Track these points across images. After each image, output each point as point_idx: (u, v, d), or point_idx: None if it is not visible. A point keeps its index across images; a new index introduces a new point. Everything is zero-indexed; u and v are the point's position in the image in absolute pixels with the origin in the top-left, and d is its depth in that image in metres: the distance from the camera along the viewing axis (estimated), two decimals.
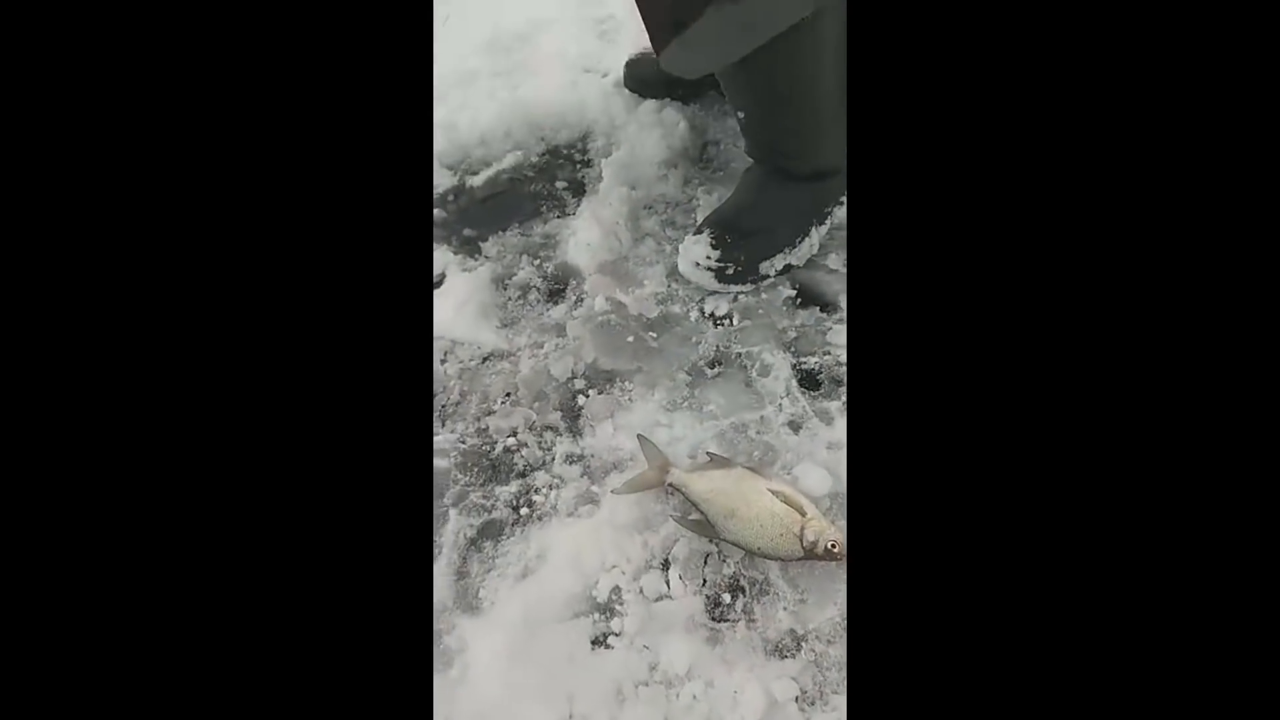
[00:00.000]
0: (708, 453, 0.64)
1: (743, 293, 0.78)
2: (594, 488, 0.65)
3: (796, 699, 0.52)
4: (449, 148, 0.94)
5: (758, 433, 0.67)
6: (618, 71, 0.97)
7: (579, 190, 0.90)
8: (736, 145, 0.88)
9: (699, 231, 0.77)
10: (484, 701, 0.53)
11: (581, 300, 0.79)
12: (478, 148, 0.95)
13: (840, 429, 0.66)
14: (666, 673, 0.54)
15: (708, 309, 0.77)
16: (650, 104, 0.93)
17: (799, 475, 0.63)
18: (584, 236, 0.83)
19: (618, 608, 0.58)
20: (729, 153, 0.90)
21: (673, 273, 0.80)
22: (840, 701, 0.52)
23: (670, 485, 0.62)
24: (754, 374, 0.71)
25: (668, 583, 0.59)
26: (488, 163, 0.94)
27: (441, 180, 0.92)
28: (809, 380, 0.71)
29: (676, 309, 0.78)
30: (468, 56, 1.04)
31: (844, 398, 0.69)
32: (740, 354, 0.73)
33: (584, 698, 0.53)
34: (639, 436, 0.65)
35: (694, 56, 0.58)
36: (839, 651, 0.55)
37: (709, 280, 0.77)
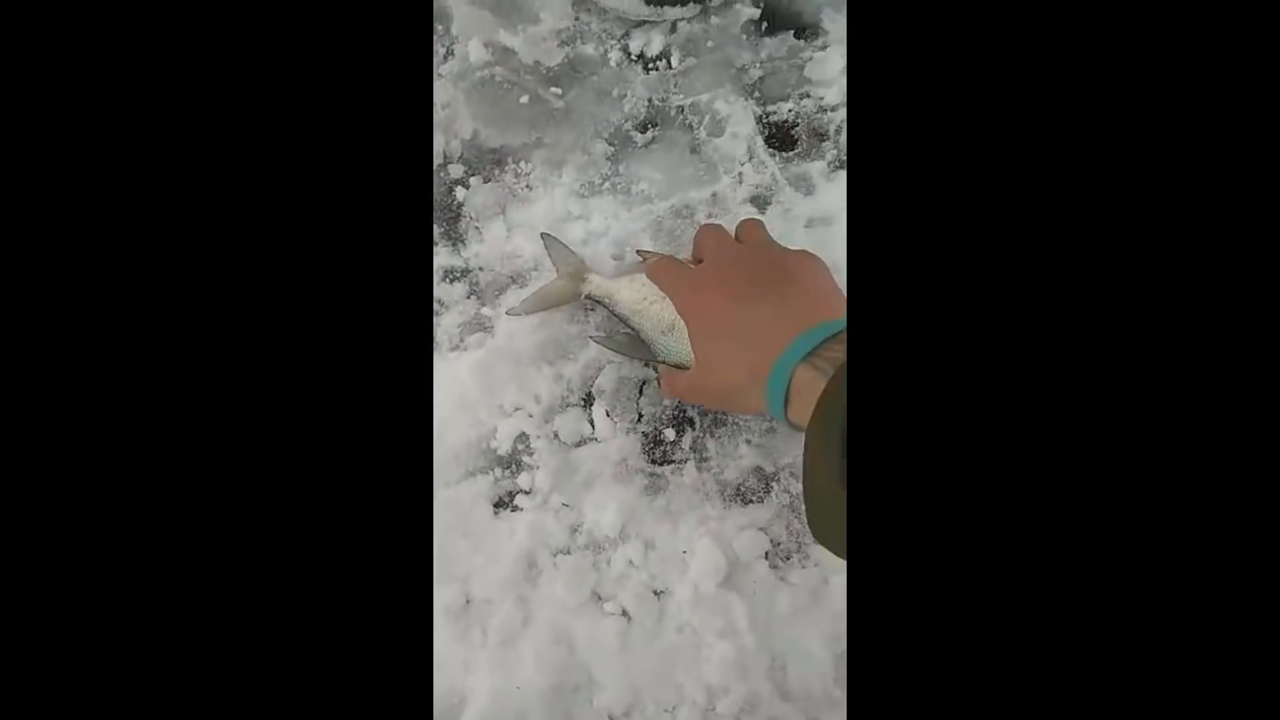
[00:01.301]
0: (639, 251, 0.45)
1: (683, 19, 0.52)
2: (485, 310, 0.46)
3: (767, 554, 0.39)
4: None
5: (710, 215, 0.47)
6: None
7: None
8: None
9: None
10: None
11: (451, 50, 0.53)
12: None
13: (827, 198, 0.46)
14: (593, 535, 0.40)
15: (634, 47, 0.52)
16: None
17: None
18: None
19: (526, 460, 0.42)
20: None
21: None
22: (820, 553, 0.39)
23: (589, 297, 0.43)
24: (703, 134, 0.49)
25: (591, 422, 0.43)
26: None
27: None
28: (780, 136, 0.49)
29: (590, 50, 0.52)
30: None
31: (829, 156, 0.47)
32: (683, 107, 0.50)
33: (484, 577, 0.39)
34: (543, 236, 0.45)
35: None
36: None
37: (632, 2, 0.50)
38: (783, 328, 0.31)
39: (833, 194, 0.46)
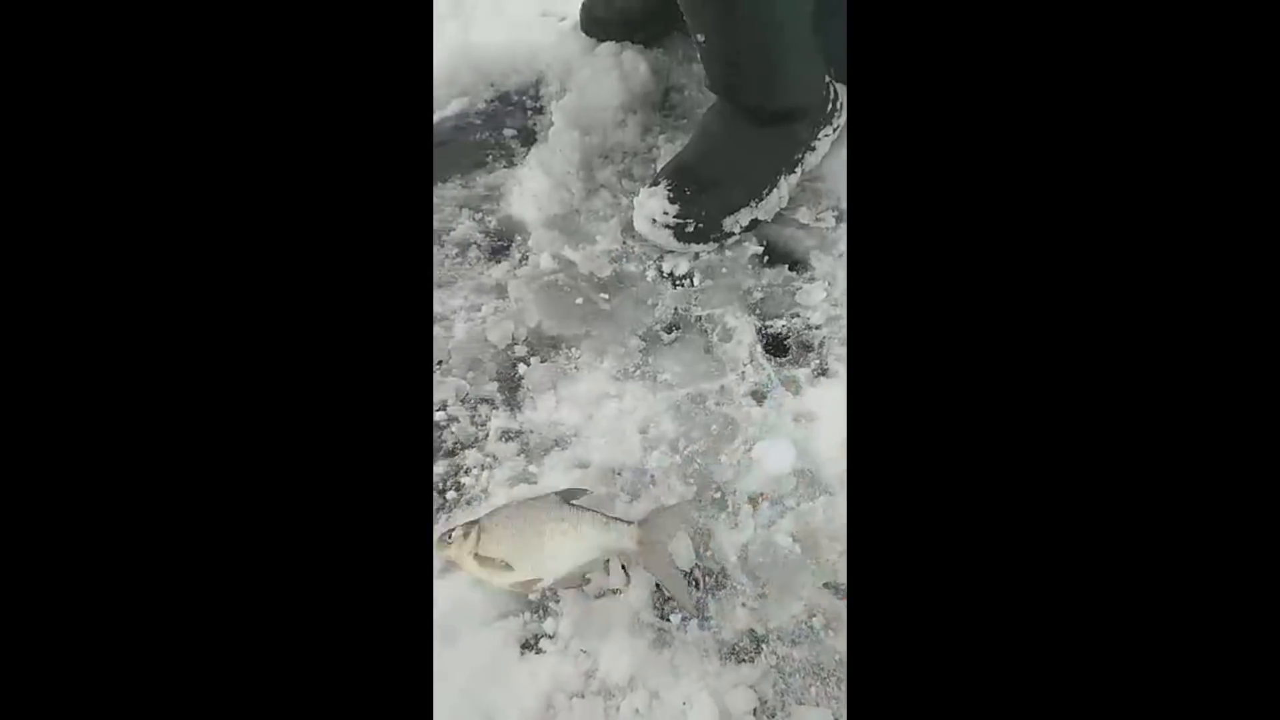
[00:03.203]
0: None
1: (705, 251, 0.66)
2: (531, 467, 0.54)
3: (755, 711, 0.43)
4: None
5: (717, 404, 0.56)
6: (576, 16, 0.83)
7: (529, 139, 0.77)
8: (702, 91, 0.75)
9: (655, 183, 0.66)
10: None
11: (526, 258, 0.67)
12: None
13: (811, 398, 0.56)
14: (605, 681, 0.44)
15: (666, 268, 0.66)
16: (608, 46, 0.80)
17: (762, 453, 0.53)
18: (531, 187, 0.71)
19: (552, 606, 0.48)
20: (694, 99, 0.78)
21: (628, 228, 0.68)
22: (803, 713, 0.42)
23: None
24: (714, 339, 0.61)
25: (608, 571, 0.49)
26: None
27: None
28: (775, 345, 0.60)
29: (632, 268, 0.66)
30: None
31: (813, 365, 0.58)
32: (700, 317, 0.62)
33: (506, 712, 0.43)
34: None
35: None
36: (804, 654, 0.45)
37: (667, 239, 0.65)
38: None
39: (816, 396, 0.56)
